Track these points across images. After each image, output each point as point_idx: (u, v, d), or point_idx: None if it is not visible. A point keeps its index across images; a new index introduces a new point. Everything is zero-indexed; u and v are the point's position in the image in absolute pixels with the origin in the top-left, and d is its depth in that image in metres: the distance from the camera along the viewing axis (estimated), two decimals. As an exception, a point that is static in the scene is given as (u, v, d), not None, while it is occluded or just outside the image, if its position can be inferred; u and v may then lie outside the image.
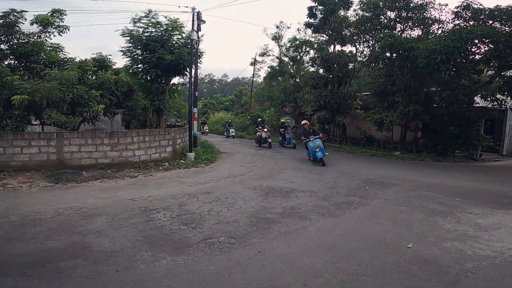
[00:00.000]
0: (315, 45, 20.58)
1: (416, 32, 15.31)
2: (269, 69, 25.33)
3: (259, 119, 22.53)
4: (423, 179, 8.54)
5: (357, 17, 17.08)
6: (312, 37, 21.69)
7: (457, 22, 13.43)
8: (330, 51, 19.69)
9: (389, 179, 8.39)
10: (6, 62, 11.53)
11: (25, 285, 3.00)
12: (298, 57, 22.54)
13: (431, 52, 11.41)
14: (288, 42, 22.40)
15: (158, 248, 3.90)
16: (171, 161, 10.49)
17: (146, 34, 12.53)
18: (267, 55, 24.74)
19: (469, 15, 12.89)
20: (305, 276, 3.29)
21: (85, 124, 11.11)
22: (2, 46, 11.33)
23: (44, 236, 4.19)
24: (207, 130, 30.92)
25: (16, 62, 11.70)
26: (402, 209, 5.69)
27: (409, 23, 15.23)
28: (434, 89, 14.59)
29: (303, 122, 12.78)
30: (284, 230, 4.60)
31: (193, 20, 12.96)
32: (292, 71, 23.77)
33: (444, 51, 11.07)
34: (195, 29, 12.68)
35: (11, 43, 11.26)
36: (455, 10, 13.35)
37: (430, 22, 14.64)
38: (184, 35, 13.00)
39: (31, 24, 11.45)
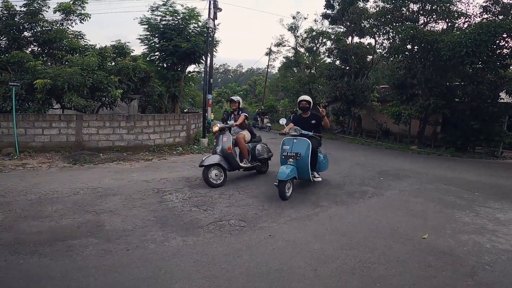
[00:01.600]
0: (332, 36, 20.22)
1: (440, 26, 14.81)
2: (284, 60, 25.18)
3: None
4: (441, 172, 8.30)
5: (377, 8, 16.63)
6: (329, 28, 21.37)
7: (485, 16, 12.97)
8: (348, 42, 19.26)
9: (405, 171, 8.19)
10: (29, 49, 11.87)
11: (35, 262, 3.04)
12: (314, 48, 22.21)
13: (456, 45, 11.02)
14: (305, 33, 22.13)
15: (169, 229, 3.93)
16: (185, 146, 10.61)
17: (163, 22, 12.61)
18: (283, 46, 24.62)
19: (498, 9, 12.43)
20: (315, 261, 3.24)
21: (103, 109, 11.35)
22: (26, 33, 11.65)
23: (59, 215, 4.28)
24: (269, 125, 21.88)
25: (39, 48, 12.02)
26: (417, 200, 5.54)
27: (433, 16, 14.68)
28: (457, 83, 14.10)
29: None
30: (295, 215, 4.56)
31: (209, 8, 12.88)
32: (307, 62, 23.49)
33: (470, 44, 10.67)
34: (212, 17, 12.62)
35: (35, 30, 11.56)
36: (484, 4, 12.92)
37: (456, 15, 14.06)
38: (200, 23, 13.02)
39: (54, 12, 11.73)
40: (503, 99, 13.41)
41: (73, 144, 8.86)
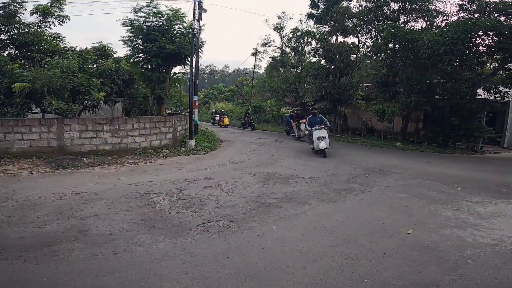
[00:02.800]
0: (317, 36, 20.40)
1: (420, 24, 15.21)
2: (270, 60, 25.19)
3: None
4: (423, 168, 8.52)
5: (360, 8, 16.93)
6: (314, 28, 21.54)
7: (461, 14, 13.31)
8: (332, 42, 19.50)
9: (389, 167, 8.37)
10: (6, 52, 11.53)
11: (21, 268, 2.99)
12: (300, 48, 22.32)
13: (434, 43, 11.33)
14: (290, 32, 22.17)
15: (157, 231, 3.90)
16: (172, 148, 10.50)
17: (147, 23, 12.43)
18: (269, 46, 24.55)
19: (474, 8, 12.77)
20: (304, 259, 3.28)
21: (86, 112, 11.11)
22: (2, 36, 11.35)
23: (42, 220, 4.18)
24: (308, 132, 11.78)
25: (16, 51, 11.72)
26: (402, 196, 5.68)
27: (413, 15, 15.06)
28: (436, 81, 14.49)
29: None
30: (283, 214, 4.60)
31: (194, 9, 12.81)
32: (293, 61, 23.59)
33: (447, 42, 10.98)
34: (196, 18, 12.55)
35: (11, 33, 11.27)
36: (460, 2, 13.26)
37: (435, 14, 14.46)
38: (185, 24, 12.92)
39: (31, 14, 11.45)
40: (481, 95, 13.86)
41: (55, 149, 8.62)
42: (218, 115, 26.98)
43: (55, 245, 3.47)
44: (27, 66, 10.67)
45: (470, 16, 12.79)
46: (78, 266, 3.04)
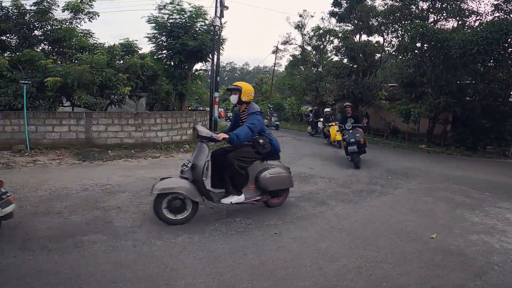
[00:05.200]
0: (340, 34, 20.06)
1: (451, 24, 14.57)
2: (291, 58, 25.13)
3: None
4: (450, 172, 8.18)
5: (386, 6, 16.41)
6: (336, 26, 21.17)
7: (496, 14, 12.72)
8: (356, 40, 19.09)
9: (413, 170, 8.09)
10: (40, 48, 12.06)
11: (44, 258, 3.07)
12: (321, 46, 22.08)
13: (467, 43, 10.87)
14: (312, 31, 22.05)
15: (176, 226, 3.94)
16: (192, 143, 10.65)
17: (170, 20, 12.69)
18: (289, 44, 24.61)
19: (510, 8, 12.17)
20: (321, 259, 3.24)
21: (112, 107, 11.49)
22: (36, 32, 11.85)
23: (68, 211, 4.33)
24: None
25: (49, 47, 12.21)
26: (426, 199, 5.47)
27: (443, 14, 14.45)
28: (468, 81, 13.88)
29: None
30: (301, 214, 4.55)
31: (216, 6, 12.95)
32: (314, 60, 23.38)
33: (482, 42, 10.51)
34: (218, 15, 12.67)
35: (45, 29, 11.76)
36: (496, 2, 12.68)
37: (467, 13, 13.82)
38: (207, 22, 13.09)
39: (63, 10, 11.91)
40: (515, 98, 13.17)
41: (83, 141, 8.99)
42: (322, 119, 15.21)
43: (79, 236, 3.57)
44: (59, 62, 11.13)
45: (505, 16, 12.22)
46: (99, 258, 3.12)
